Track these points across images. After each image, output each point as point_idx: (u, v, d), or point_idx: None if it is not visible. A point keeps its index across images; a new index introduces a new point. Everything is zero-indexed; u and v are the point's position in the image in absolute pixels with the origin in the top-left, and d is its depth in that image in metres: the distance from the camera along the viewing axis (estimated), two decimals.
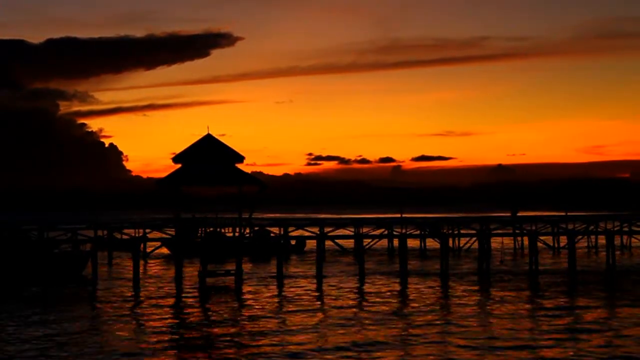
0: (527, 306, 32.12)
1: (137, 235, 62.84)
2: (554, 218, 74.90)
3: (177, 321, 29.71)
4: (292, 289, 38.73)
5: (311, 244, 64.18)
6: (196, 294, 37.55)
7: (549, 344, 23.69)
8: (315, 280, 42.25)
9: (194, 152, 42.02)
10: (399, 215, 75.55)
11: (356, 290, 38.19)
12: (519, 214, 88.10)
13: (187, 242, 45.29)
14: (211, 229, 51.37)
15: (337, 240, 63.53)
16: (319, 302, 33.96)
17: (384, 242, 67.92)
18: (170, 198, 43.79)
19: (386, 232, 58.00)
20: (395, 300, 34.32)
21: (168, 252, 62.17)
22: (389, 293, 36.90)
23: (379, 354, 22.46)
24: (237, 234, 41.96)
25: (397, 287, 39.39)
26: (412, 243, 68.17)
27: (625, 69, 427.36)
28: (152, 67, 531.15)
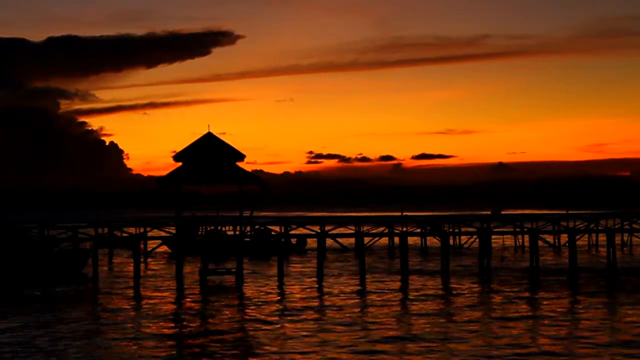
0: (527, 304, 32.13)
1: (137, 233, 62.85)
2: (555, 216, 74.94)
3: (177, 320, 29.69)
4: (292, 288, 38.73)
5: (312, 242, 64.35)
6: (197, 293, 37.55)
7: (549, 341, 23.69)
8: (316, 279, 42.24)
9: (194, 150, 42.01)
10: (399, 214, 75.52)
11: (357, 289, 38.18)
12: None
13: (188, 240, 45.32)
14: (212, 227, 51.39)
15: (337, 239, 63.60)
16: (319, 301, 33.96)
17: (385, 240, 67.99)
18: (171, 196, 43.74)
19: (387, 230, 57.97)
20: (396, 300, 34.33)
21: (169, 250, 62.23)
22: (389, 291, 36.90)
23: (379, 355, 22.47)
24: (237, 233, 41.94)
25: (398, 285, 39.41)
26: (413, 241, 68.26)
27: (626, 68, 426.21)
28: (152, 65, 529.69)
